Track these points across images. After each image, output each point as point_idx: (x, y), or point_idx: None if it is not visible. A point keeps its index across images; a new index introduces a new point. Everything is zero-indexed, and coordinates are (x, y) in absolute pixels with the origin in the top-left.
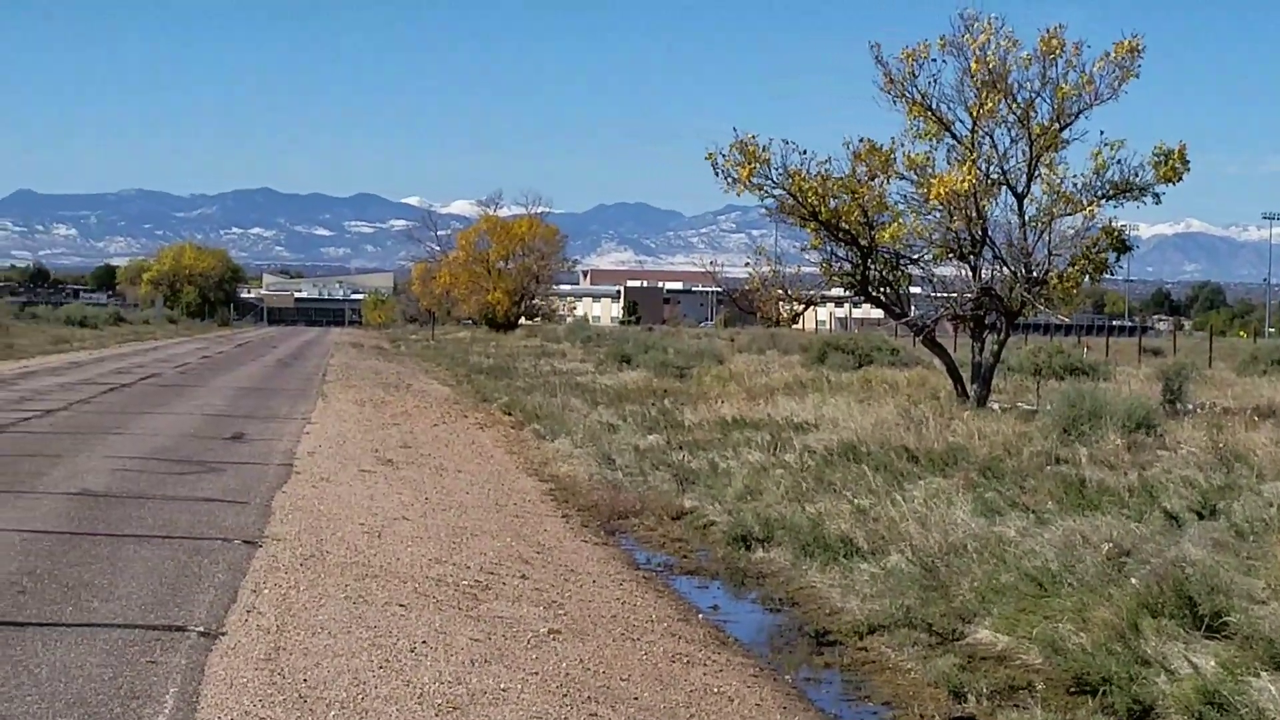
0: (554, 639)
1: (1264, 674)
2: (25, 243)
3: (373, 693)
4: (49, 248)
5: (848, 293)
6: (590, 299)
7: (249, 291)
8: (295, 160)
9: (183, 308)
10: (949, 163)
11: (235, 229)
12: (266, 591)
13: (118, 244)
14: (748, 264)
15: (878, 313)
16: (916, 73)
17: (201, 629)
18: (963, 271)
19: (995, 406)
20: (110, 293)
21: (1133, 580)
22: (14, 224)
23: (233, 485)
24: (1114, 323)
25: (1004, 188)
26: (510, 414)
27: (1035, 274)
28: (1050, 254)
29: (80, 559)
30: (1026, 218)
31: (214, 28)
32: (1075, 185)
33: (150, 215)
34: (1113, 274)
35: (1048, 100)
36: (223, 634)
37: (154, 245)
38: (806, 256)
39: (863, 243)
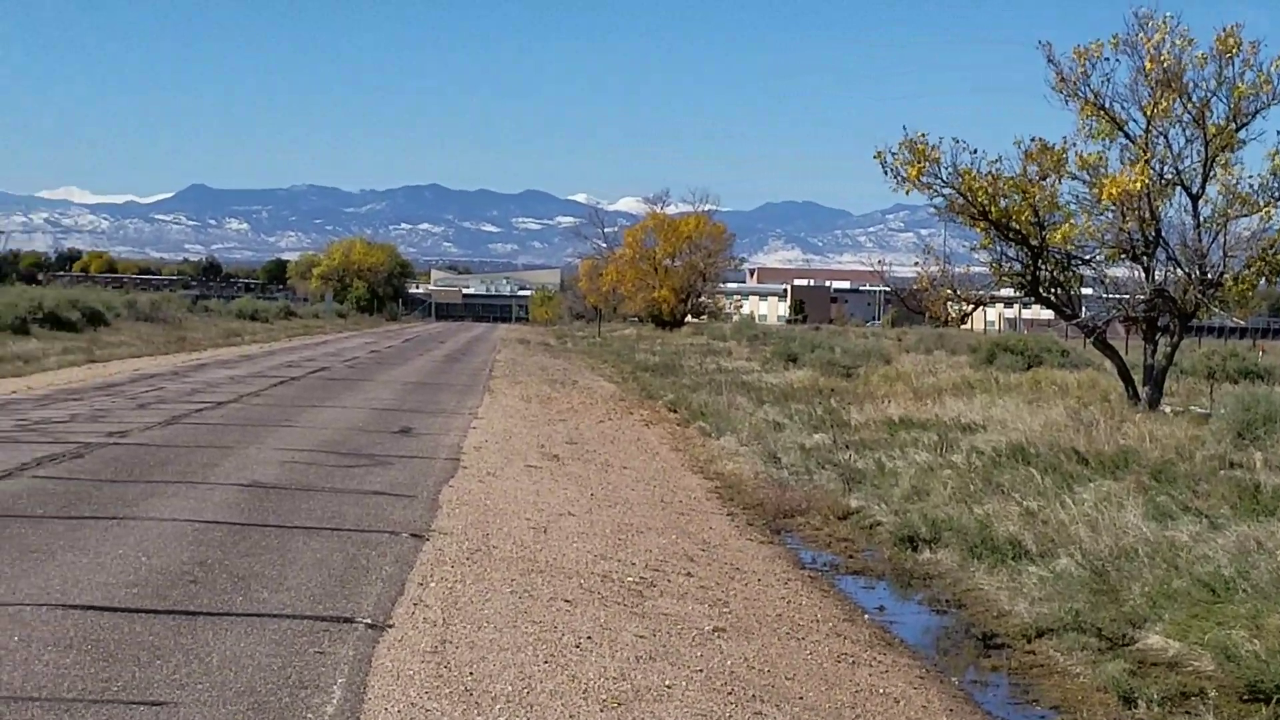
0: (719, 637)
1: None
2: (199, 237)
3: (538, 687)
4: (221, 242)
5: (1017, 293)
6: (756, 297)
7: (417, 287)
8: (464, 157)
9: (352, 302)
10: (1122, 163)
11: (404, 225)
12: (433, 585)
13: (289, 239)
14: (916, 263)
15: (1047, 314)
16: (1089, 72)
17: (369, 621)
18: (1135, 273)
19: (1167, 409)
20: (281, 287)
21: None
22: (188, 218)
23: (400, 479)
24: None
25: (1178, 188)
26: (676, 411)
27: (1210, 276)
28: (1225, 256)
29: (250, 550)
30: (1201, 219)
31: (386, 26)
32: (1251, 186)
33: (321, 211)
34: None
35: (1224, 100)
36: (390, 626)
37: (324, 240)
38: (975, 256)
39: (1033, 243)
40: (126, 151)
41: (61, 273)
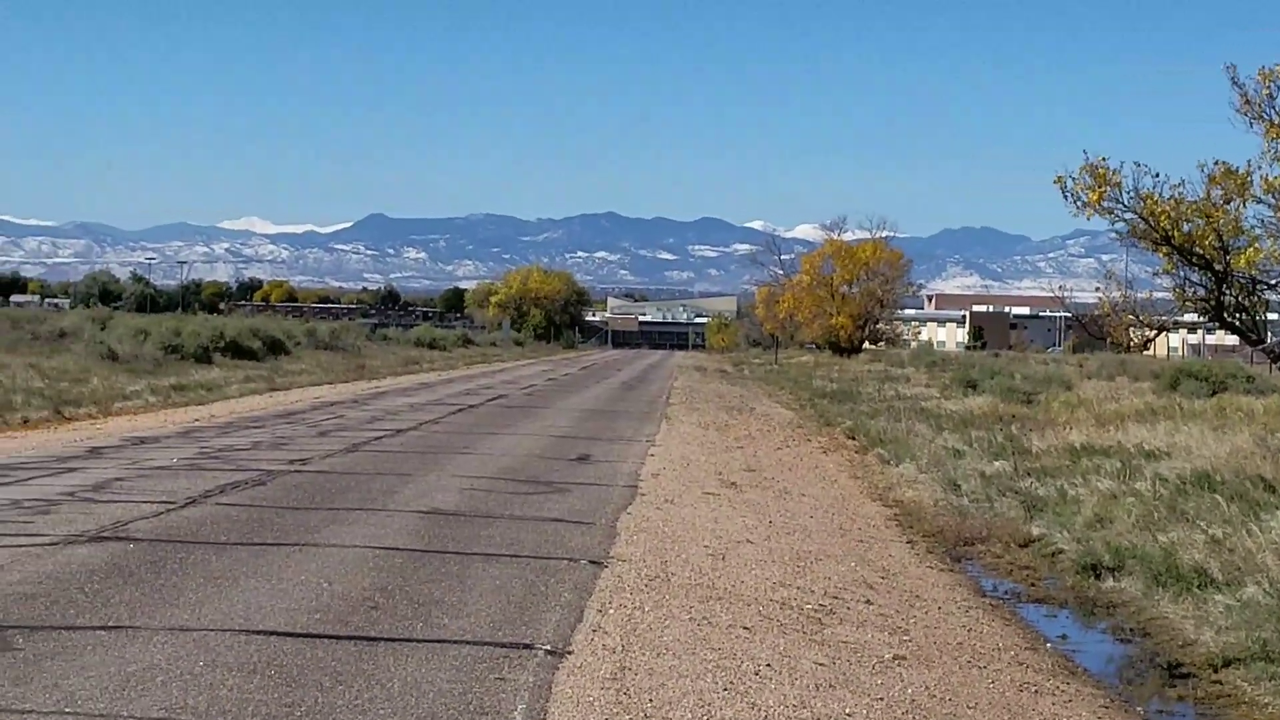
0: (899, 665)
1: None
2: (377, 266)
3: (717, 714)
4: (399, 270)
5: (1201, 318)
6: (935, 324)
7: (593, 314)
8: (640, 185)
9: (529, 330)
10: None
11: (580, 253)
12: (612, 612)
13: (466, 267)
14: (1097, 289)
15: (1232, 339)
16: (1275, 94)
17: (549, 647)
18: None
19: None
20: (458, 315)
21: None
22: (366, 248)
23: (578, 506)
24: None
25: None
26: (854, 438)
27: None
28: None
29: (430, 576)
30: None
31: (564, 56)
32: None
33: (498, 239)
34: None
35: None
36: (569, 653)
37: (501, 269)
38: (1158, 281)
39: (1217, 268)
40: (306, 182)
41: (243, 302)
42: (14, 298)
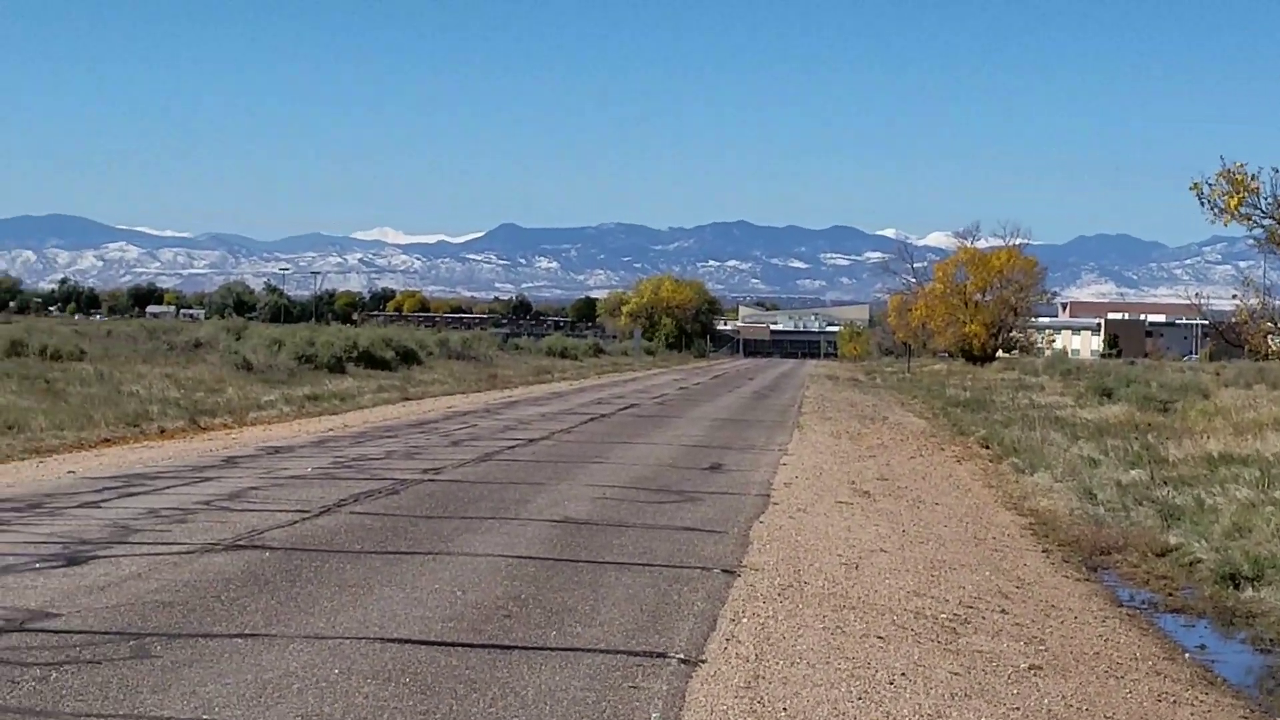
0: (1035, 675)
1: None
2: (509, 275)
3: None
4: (531, 280)
5: None
6: (1069, 331)
7: (725, 323)
8: (771, 193)
9: (660, 339)
10: None
11: (712, 261)
12: (745, 620)
13: (597, 276)
14: (1235, 296)
15: None
16: None
17: (682, 656)
18: None
19: None
20: (590, 325)
21: None
22: (498, 257)
23: (710, 515)
24: None
25: None
26: (988, 447)
27: None
28: None
29: (563, 584)
30: None
31: (689, 61)
32: None
33: (629, 249)
34: None
35: None
36: (702, 661)
37: (632, 278)
38: None
39: None
40: (439, 193)
41: (376, 312)
42: (150, 308)
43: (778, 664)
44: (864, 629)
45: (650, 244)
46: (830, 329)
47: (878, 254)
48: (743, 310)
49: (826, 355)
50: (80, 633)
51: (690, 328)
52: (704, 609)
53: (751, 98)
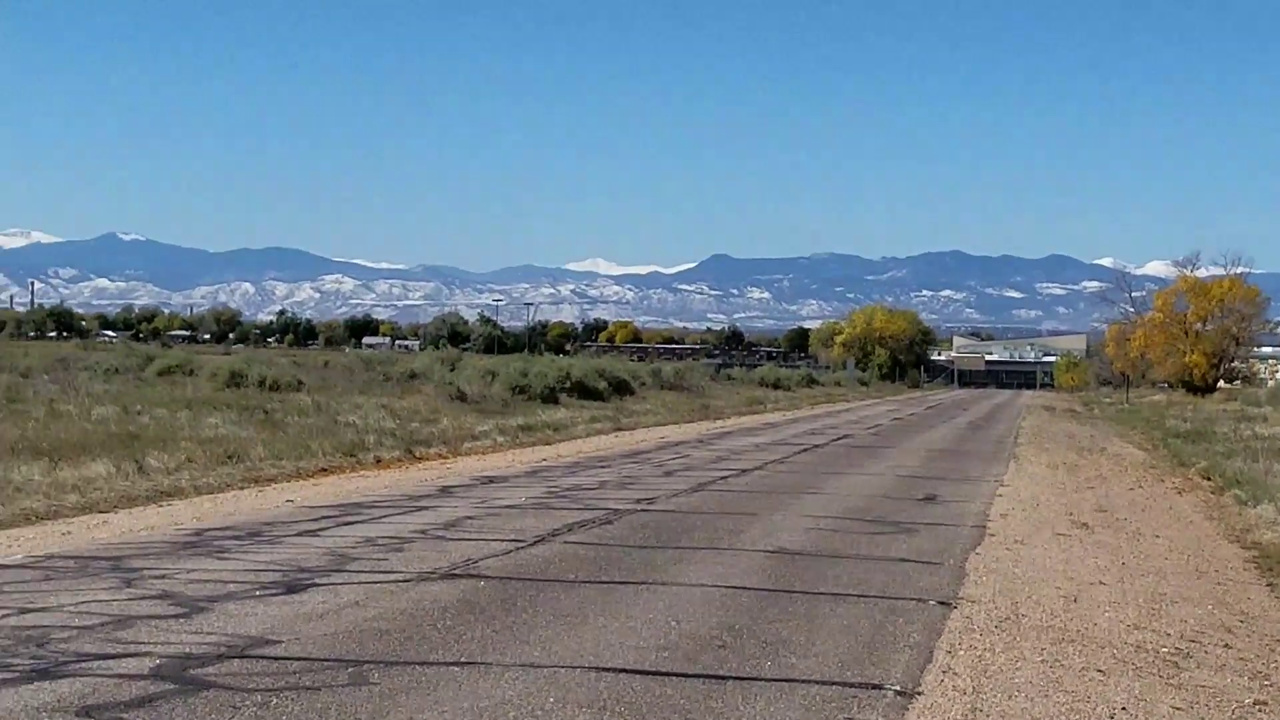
0: (1261, 711)
1: None
2: (721, 306)
3: None
4: (743, 310)
5: None
6: None
7: (939, 354)
8: (987, 222)
9: (874, 370)
10: None
11: (925, 291)
12: (962, 653)
13: (810, 307)
14: None
15: None
16: None
17: (898, 688)
18: None
19: None
20: (802, 355)
21: None
22: (710, 288)
23: (926, 546)
24: None
25: None
26: (1209, 479)
27: None
28: None
29: (778, 615)
30: None
31: (899, 92)
32: None
33: (842, 278)
34: None
35: None
36: (919, 693)
37: (845, 308)
38: None
39: None
40: (651, 224)
41: (588, 343)
42: (366, 340)
43: (995, 697)
44: (1083, 662)
45: (863, 274)
46: (1046, 359)
47: (1095, 283)
48: (957, 340)
49: (1042, 386)
50: (299, 659)
51: (904, 358)
52: (920, 641)
53: (967, 127)
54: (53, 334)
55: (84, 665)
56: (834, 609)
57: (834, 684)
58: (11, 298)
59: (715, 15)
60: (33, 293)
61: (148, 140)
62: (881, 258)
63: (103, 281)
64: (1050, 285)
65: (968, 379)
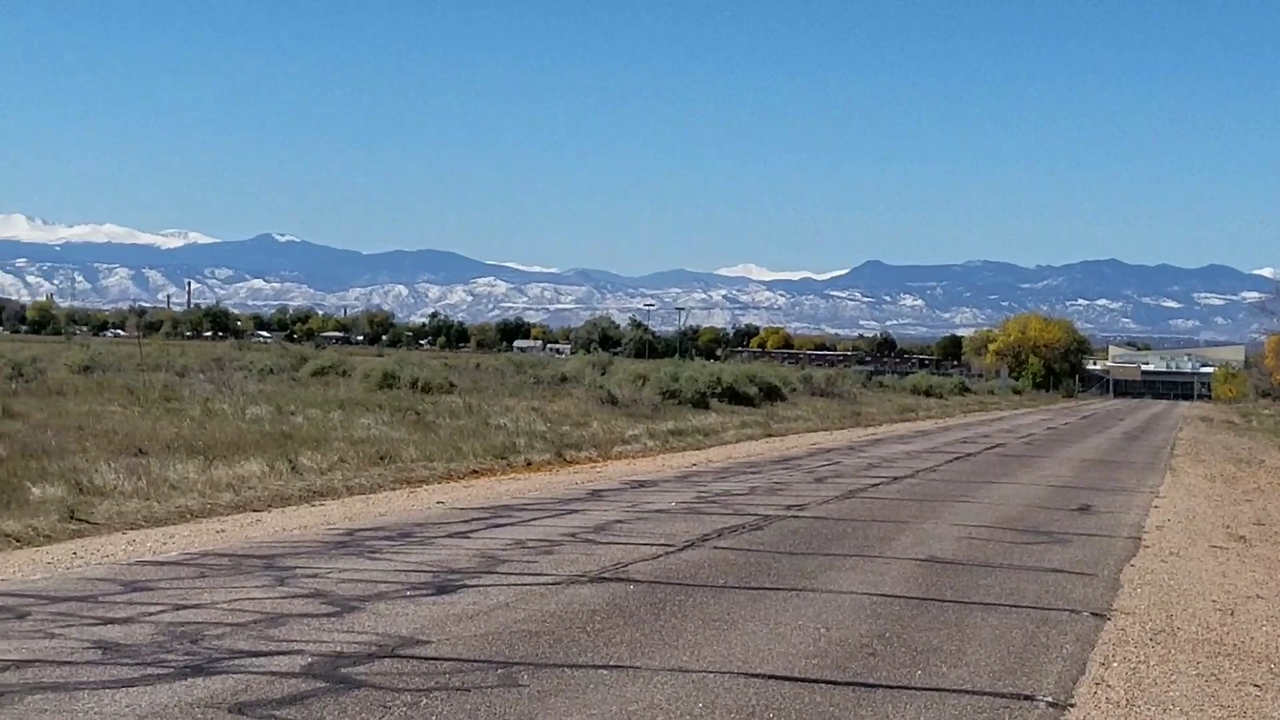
0: None
1: None
2: (873, 313)
3: None
4: (896, 318)
5: None
6: None
7: (1094, 363)
8: (1144, 231)
9: (1027, 379)
10: None
11: (1080, 300)
12: (1116, 664)
13: (963, 315)
14: None
15: None
16: None
17: (1050, 699)
18: None
19: None
20: (955, 363)
21: None
22: (862, 295)
23: (1079, 557)
24: None
25: None
26: None
27: None
28: None
29: (928, 624)
30: None
31: (1051, 98)
32: None
33: (995, 286)
34: None
35: None
36: (1071, 705)
37: (998, 316)
38: None
39: None
40: (803, 230)
41: (739, 348)
42: (518, 343)
43: (1149, 710)
44: (1240, 676)
45: (1017, 282)
46: (1203, 370)
47: (1254, 294)
48: (1113, 350)
49: (1200, 397)
50: (449, 660)
51: (1058, 367)
52: (1073, 652)
53: (1126, 133)
54: (208, 334)
55: (237, 662)
56: (985, 618)
57: (985, 694)
58: (169, 297)
59: (872, 19)
60: (189, 293)
61: (304, 143)
62: (1036, 266)
63: (258, 282)
64: (1208, 295)
65: (1123, 389)
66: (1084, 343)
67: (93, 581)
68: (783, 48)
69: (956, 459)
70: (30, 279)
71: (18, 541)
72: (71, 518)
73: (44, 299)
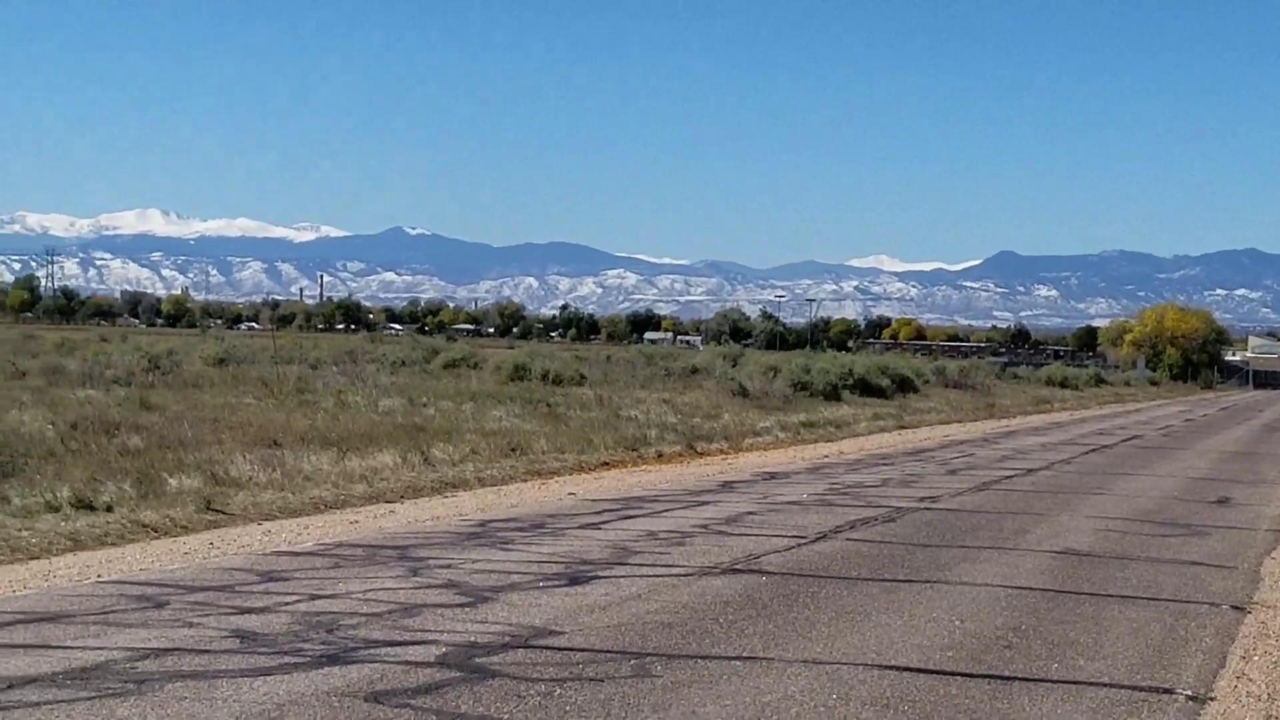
0: None
1: None
2: (1006, 303)
3: None
4: (1030, 309)
5: None
6: None
7: (1233, 354)
8: None
9: (1164, 369)
10: None
11: (1219, 290)
12: (1257, 658)
13: (1098, 305)
14: None
15: None
16: None
17: (1189, 692)
18: None
19: None
20: (1090, 354)
21: None
22: (995, 285)
23: (1218, 549)
24: None
25: None
26: None
27: None
28: None
29: (1064, 617)
30: None
31: (1188, 85)
32: None
33: (1131, 276)
34: None
35: None
36: (1211, 699)
37: (1134, 306)
38: None
39: None
40: (936, 220)
41: (871, 340)
42: (648, 335)
43: None
44: None
45: (1154, 272)
46: None
47: None
48: (1252, 340)
49: None
50: (583, 650)
51: (1196, 358)
52: (1212, 645)
53: (1264, 120)
54: (340, 326)
55: (372, 651)
56: (1123, 611)
57: (1123, 687)
58: (301, 290)
59: (1025, 11)
60: (322, 286)
61: (434, 137)
62: (1173, 255)
63: (389, 275)
64: None
65: (1263, 380)
66: (1222, 333)
67: (230, 571)
68: (917, 35)
69: (1092, 451)
70: (165, 272)
71: (156, 532)
72: (208, 508)
73: (179, 292)
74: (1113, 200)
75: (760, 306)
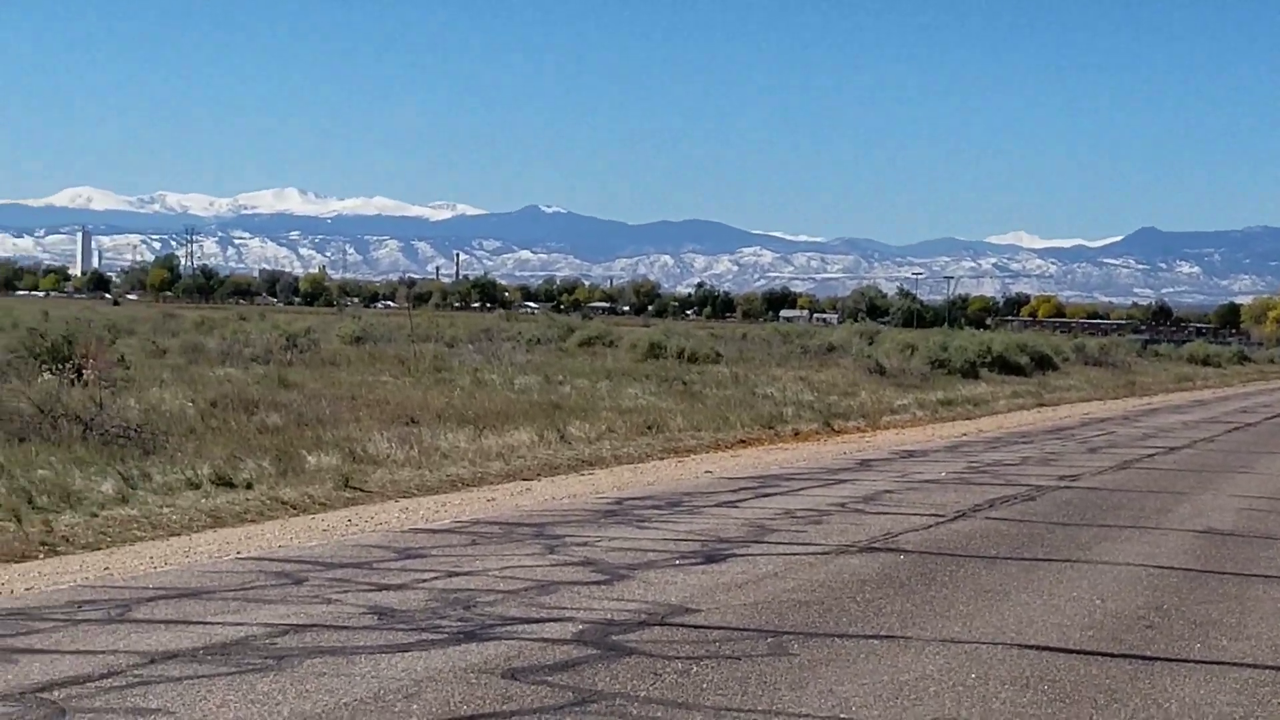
0: None
1: None
2: (1148, 280)
3: None
4: (1171, 285)
5: None
6: None
7: None
8: None
9: None
10: None
11: None
12: None
13: (1241, 282)
14: None
15: None
16: None
17: None
18: None
19: None
20: (1233, 331)
21: None
22: (1136, 262)
23: None
24: None
25: None
26: None
27: None
28: None
29: (1207, 596)
30: None
31: None
32: None
33: (1276, 253)
34: None
35: None
36: None
37: None
38: None
39: None
40: (1075, 196)
41: (1010, 317)
42: (784, 312)
43: None
44: None
45: None
46: None
47: None
48: None
49: None
50: (719, 628)
51: None
52: None
53: None
54: (476, 305)
55: (509, 628)
56: (1267, 591)
57: (1267, 668)
58: (438, 268)
59: None
60: (458, 264)
61: (570, 115)
62: None
63: (525, 253)
64: None
65: None
66: None
67: (367, 548)
68: (1058, 11)
69: (1235, 429)
70: (303, 251)
71: (294, 509)
72: (346, 486)
73: (316, 271)
74: (1259, 174)
75: (897, 284)
